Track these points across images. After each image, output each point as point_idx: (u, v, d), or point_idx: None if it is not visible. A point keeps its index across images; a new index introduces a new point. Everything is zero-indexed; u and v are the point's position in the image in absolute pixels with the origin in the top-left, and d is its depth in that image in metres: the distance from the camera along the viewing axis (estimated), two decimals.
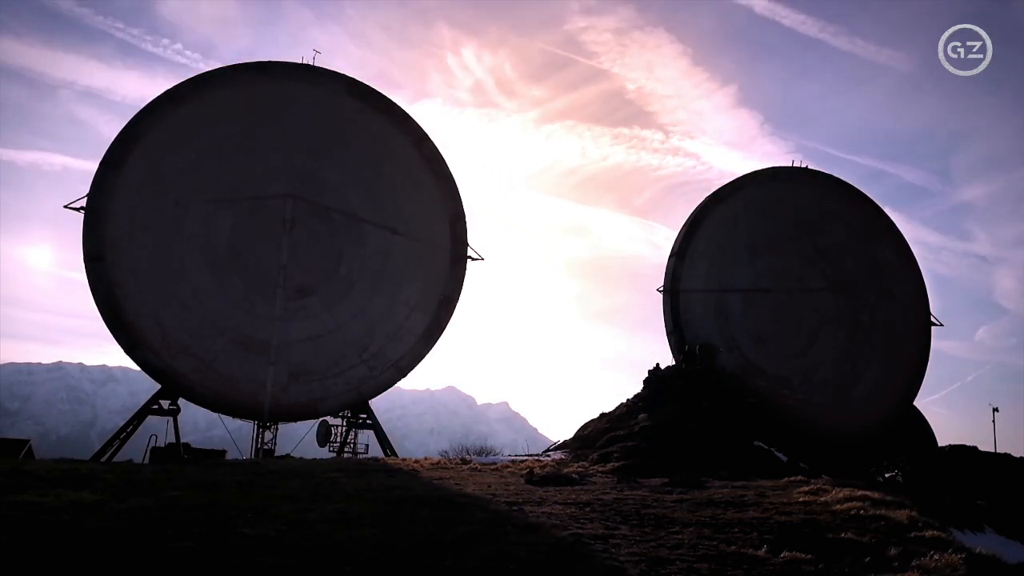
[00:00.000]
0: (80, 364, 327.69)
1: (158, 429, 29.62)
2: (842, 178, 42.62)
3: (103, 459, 28.15)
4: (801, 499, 13.54)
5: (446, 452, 29.04)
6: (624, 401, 34.33)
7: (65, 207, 30.88)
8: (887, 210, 43.55)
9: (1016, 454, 38.12)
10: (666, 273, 40.78)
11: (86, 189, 30.83)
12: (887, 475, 33.49)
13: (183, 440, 30.69)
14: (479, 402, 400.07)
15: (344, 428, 35.50)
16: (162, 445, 28.02)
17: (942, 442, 37.88)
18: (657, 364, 35.89)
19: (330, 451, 34.96)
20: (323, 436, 35.21)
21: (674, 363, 38.93)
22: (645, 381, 35.32)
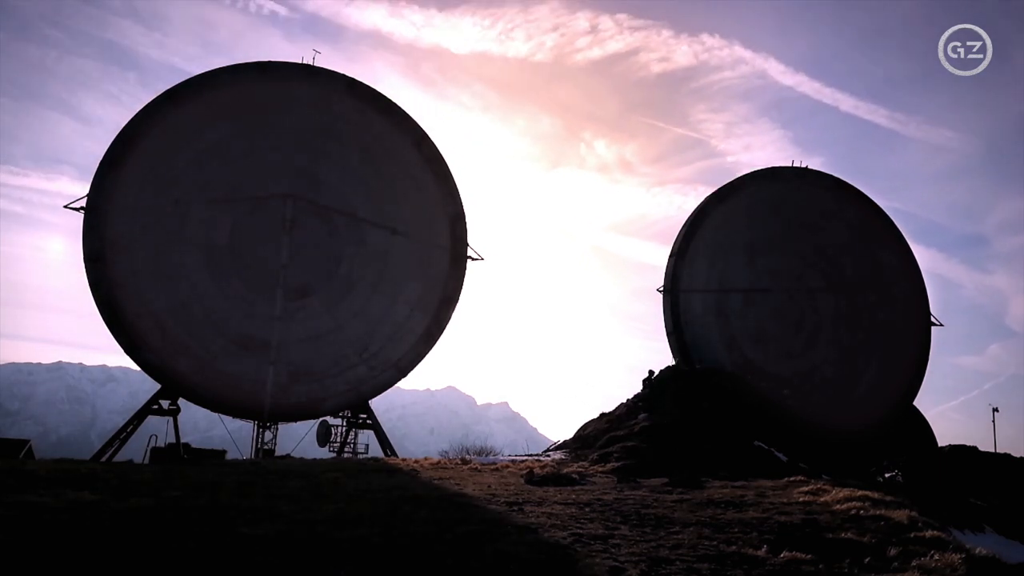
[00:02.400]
0: (80, 364, 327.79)
1: (158, 429, 29.59)
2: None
3: (103, 459, 28.13)
4: (801, 499, 13.54)
5: (446, 452, 29.04)
6: (624, 401, 34.39)
7: (65, 207, 30.92)
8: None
9: (1016, 454, 38.20)
10: (666, 273, 40.73)
11: None
12: (887, 475, 33.48)
13: (183, 440, 30.66)
14: (479, 402, 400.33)
15: (344, 428, 35.50)
16: (162, 445, 27.98)
17: (955, 443, 37.99)
18: (651, 371, 35.87)
19: (330, 451, 34.96)
20: (323, 436, 35.21)
21: (673, 363, 38.96)
22: (644, 381, 35.35)
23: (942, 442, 38.65)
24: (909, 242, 42.58)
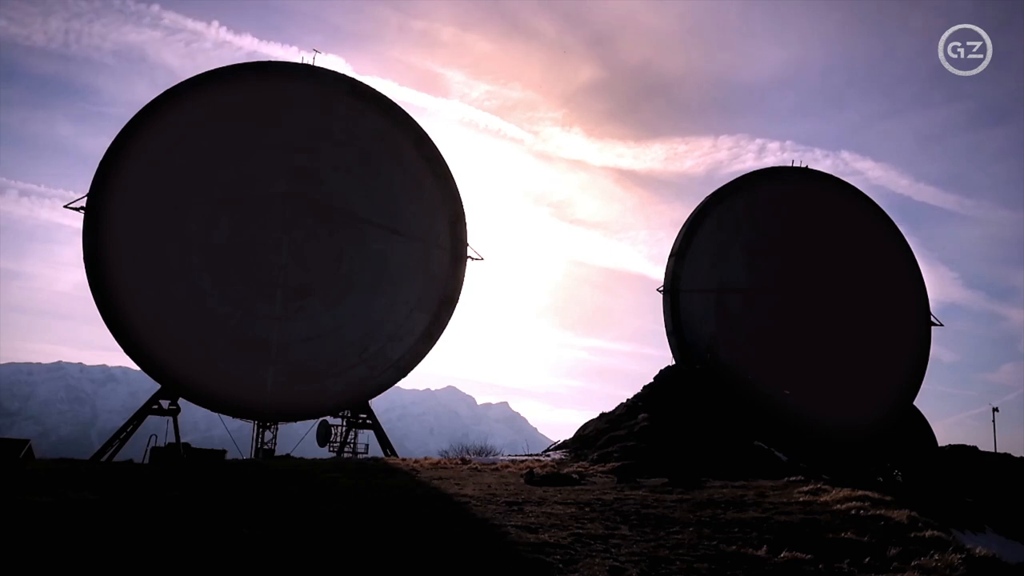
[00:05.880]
0: (80, 364, 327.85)
1: (158, 429, 29.57)
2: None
3: (103, 459, 28.14)
4: (801, 499, 13.54)
5: (446, 452, 29.10)
6: (624, 401, 34.33)
7: (65, 207, 30.94)
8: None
9: (1016, 454, 38.24)
10: (666, 273, 40.68)
11: None
12: (886, 475, 33.48)
13: (183, 440, 30.66)
14: (479, 402, 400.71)
15: (344, 428, 35.50)
16: (162, 445, 27.97)
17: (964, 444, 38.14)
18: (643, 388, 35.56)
19: (330, 451, 34.97)
20: (323, 436, 35.23)
21: (674, 363, 38.92)
22: (645, 387, 35.23)
23: (957, 444, 38.77)
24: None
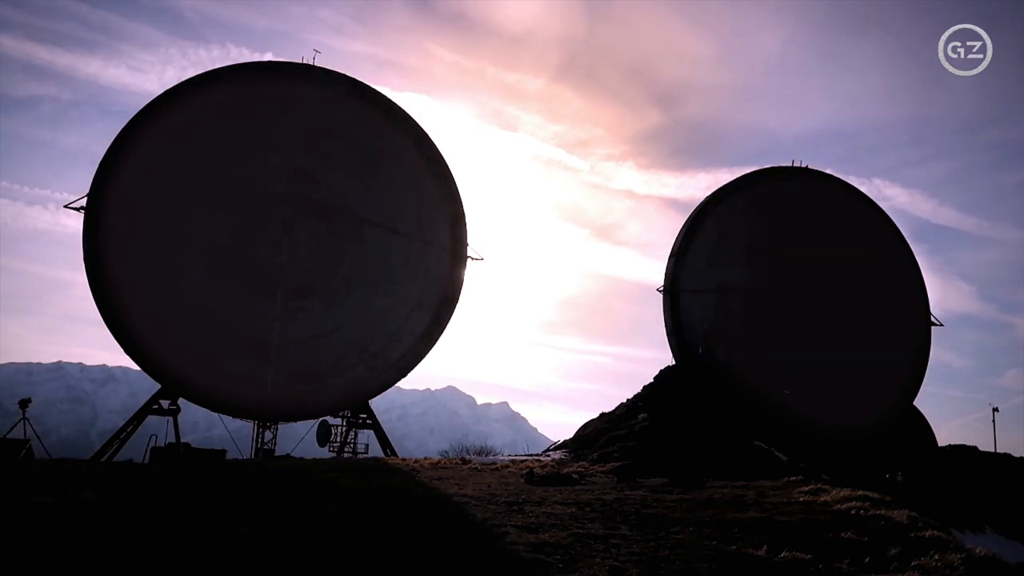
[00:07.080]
0: (80, 364, 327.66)
1: (158, 429, 29.56)
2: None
3: (103, 459, 28.13)
4: (801, 499, 13.55)
5: (446, 452, 29.16)
6: (624, 401, 34.38)
7: (65, 207, 30.90)
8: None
9: (1016, 454, 38.24)
10: (666, 273, 40.65)
11: None
12: (887, 475, 33.50)
13: (183, 440, 30.66)
14: (479, 402, 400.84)
15: (344, 428, 35.52)
16: (162, 445, 27.96)
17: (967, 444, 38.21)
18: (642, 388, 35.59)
19: (330, 451, 34.99)
20: (323, 436, 35.24)
21: (674, 363, 38.94)
22: (645, 388, 35.28)
23: (958, 444, 38.81)
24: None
